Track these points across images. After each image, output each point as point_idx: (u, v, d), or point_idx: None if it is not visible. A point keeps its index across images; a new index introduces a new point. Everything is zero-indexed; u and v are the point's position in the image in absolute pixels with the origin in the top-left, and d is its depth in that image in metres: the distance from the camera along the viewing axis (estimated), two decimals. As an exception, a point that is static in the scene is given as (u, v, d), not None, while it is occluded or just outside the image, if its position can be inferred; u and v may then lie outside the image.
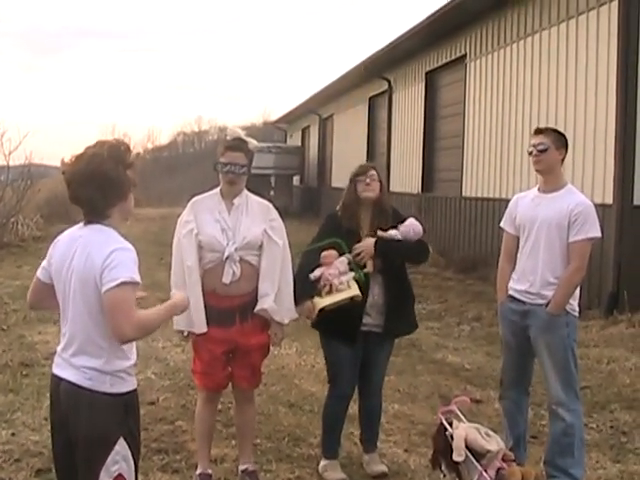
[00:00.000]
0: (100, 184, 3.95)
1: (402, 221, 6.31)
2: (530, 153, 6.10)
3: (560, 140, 6.13)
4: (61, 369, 4.10)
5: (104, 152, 4.02)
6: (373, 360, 6.35)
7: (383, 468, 6.44)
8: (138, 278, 3.93)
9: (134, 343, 4.13)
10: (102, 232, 4.02)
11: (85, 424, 3.97)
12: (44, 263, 4.24)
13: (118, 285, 3.84)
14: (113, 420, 4.00)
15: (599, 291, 12.70)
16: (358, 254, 6.11)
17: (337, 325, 6.14)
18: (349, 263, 6.07)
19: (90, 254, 3.93)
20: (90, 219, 4.06)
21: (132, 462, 4.08)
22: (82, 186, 3.97)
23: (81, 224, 4.12)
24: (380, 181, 6.35)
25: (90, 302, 3.95)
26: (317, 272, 6.08)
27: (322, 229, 6.45)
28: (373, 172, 6.33)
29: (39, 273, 4.27)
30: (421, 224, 6.33)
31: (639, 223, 12.41)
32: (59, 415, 4.12)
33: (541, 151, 6.03)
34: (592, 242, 5.97)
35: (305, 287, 6.11)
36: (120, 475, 4.01)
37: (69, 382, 4.02)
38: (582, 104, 13.62)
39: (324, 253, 6.12)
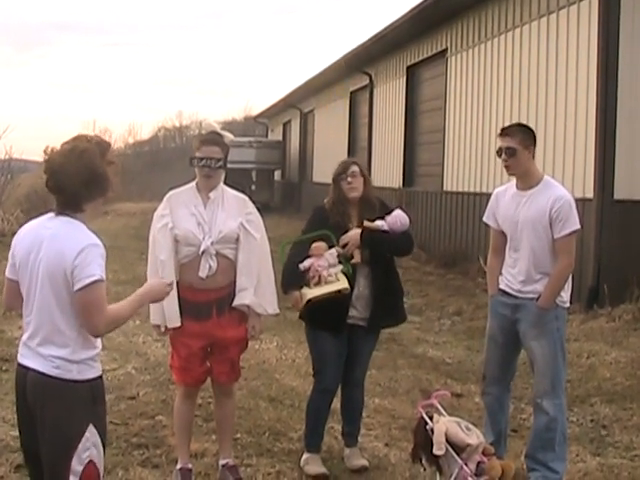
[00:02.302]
0: (87, 179, 4.06)
1: (389, 212, 6.29)
2: (499, 156, 6.06)
3: (528, 138, 6.03)
4: (28, 359, 4.15)
5: (95, 148, 4.13)
6: (357, 353, 6.34)
7: (363, 462, 6.43)
8: (104, 275, 4.05)
9: None
10: (72, 225, 4.09)
11: (55, 413, 4.04)
12: (9, 260, 4.29)
13: (93, 283, 3.95)
14: (82, 407, 4.07)
15: (579, 285, 12.70)
16: (345, 245, 6.10)
17: (323, 316, 6.14)
18: (338, 255, 6.07)
19: (60, 248, 4.00)
20: (63, 210, 4.12)
21: (101, 448, 4.16)
22: (69, 178, 4.04)
23: (50, 214, 4.18)
24: (363, 175, 6.32)
25: (59, 293, 4.03)
26: (307, 263, 6.08)
27: (310, 221, 6.45)
28: (355, 168, 6.29)
29: (8, 273, 4.31)
30: (408, 215, 6.33)
31: (619, 217, 12.44)
32: (26, 405, 4.17)
33: (510, 156, 5.97)
34: (576, 234, 5.98)
35: (294, 277, 6.12)
36: (91, 461, 4.10)
37: (36, 371, 4.07)
38: (562, 98, 13.64)
39: (314, 244, 6.11)
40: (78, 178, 4.03)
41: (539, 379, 6.03)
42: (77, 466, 4.06)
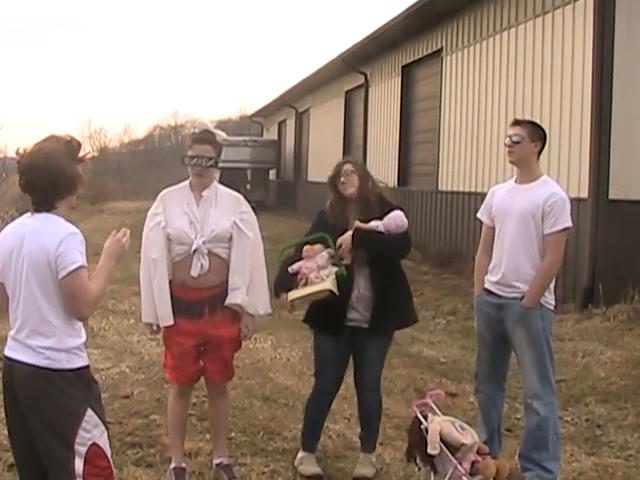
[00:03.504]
0: (55, 178, 4.22)
1: (388, 212, 6.15)
2: (505, 144, 6.10)
3: (536, 132, 6.10)
4: (16, 352, 4.26)
5: (62, 149, 4.29)
6: (363, 357, 6.26)
7: (364, 472, 6.25)
8: (85, 261, 4.24)
9: (81, 322, 4.38)
10: (50, 220, 4.25)
11: (50, 403, 4.15)
12: None
13: (77, 269, 4.14)
14: (77, 393, 4.20)
15: (574, 285, 12.73)
16: (339, 247, 6.04)
17: (321, 318, 6.16)
18: (332, 257, 6.03)
19: (42, 241, 4.17)
20: (38, 208, 4.28)
21: (103, 427, 4.31)
22: (37, 177, 4.22)
23: (28, 214, 4.35)
24: (358, 173, 6.23)
25: (44, 284, 4.18)
26: (296, 265, 6.04)
27: (312, 224, 6.44)
28: (347, 167, 6.23)
29: None
30: (407, 216, 6.17)
31: (614, 217, 12.43)
32: (13, 399, 4.26)
33: (515, 142, 6.02)
34: (567, 233, 5.98)
35: (283, 280, 6.10)
36: (94, 444, 4.23)
37: (26, 364, 4.18)
38: (558, 98, 13.64)
39: (306, 247, 6.09)
40: (45, 178, 4.21)
41: (528, 380, 6.04)
42: (81, 448, 4.19)
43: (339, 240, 6.04)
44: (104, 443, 4.30)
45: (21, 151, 4.34)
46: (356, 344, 6.21)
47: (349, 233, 6.04)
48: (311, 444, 6.42)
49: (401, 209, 6.23)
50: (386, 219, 6.09)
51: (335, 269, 5.95)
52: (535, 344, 5.94)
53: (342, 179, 6.19)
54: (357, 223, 6.07)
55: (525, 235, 5.95)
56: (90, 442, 4.21)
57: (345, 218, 6.19)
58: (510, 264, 6.00)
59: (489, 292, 6.17)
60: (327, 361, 6.27)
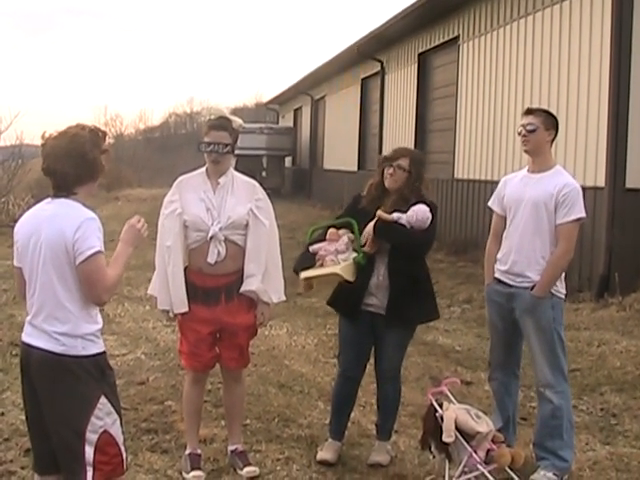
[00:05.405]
0: (77, 162, 4.25)
1: (415, 204, 6.02)
2: (519, 133, 6.08)
3: (550, 121, 6.08)
4: (32, 338, 4.29)
5: (86, 134, 4.31)
6: (381, 344, 6.23)
7: (379, 460, 6.26)
8: (103, 246, 4.27)
9: (98, 309, 4.40)
10: (69, 206, 4.27)
11: (64, 390, 4.18)
12: (14, 248, 4.45)
13: (94, 254, 4.16)
14: (92, 380, 4.22)
15: (590, 274, 12.70)
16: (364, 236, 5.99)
17: (340, 301, 6.22)
18: (352, 242, 6.01)
19: (60, 226, 4.19)
20: (58, 193, 4.31)
21: (116, 415, 4.33)
22: (59, 160, 4.25)
23: (48, 199, 4.37)
24: (409, 171, 6.07)
25: (61, 269, 4.20)
26: (316, 246, 6.05)
27: (345, 207, 6.44)
28: (401, 162, 6.08)
29: (14, 262, 4.48)
30: (432, 212, 5.98)
31: (631, 206, 12.38)
32: (30, 383, 4.30)
33: (529, 131, 6.00)
34: (579, 223, 5.96)
35: (303, 259, 6.12)
36: (105, 431, 4.26)
37: (43, 350, 4.21)
38: (575, 86, 13.58)
39: (331, 230, 6.08)
40: (68, 161, 4.23)
41: (539, 369, 6.02)
42: (92, 435, 4.21)
43: (365, 230, 5.99)
44: (116, 431, 4.32)
45: (46, 135, 4.36)
46: (376, 331, 6.20)
47: (372, 223, 5.99)
48: (336, 431, 6.41)
49: (430, 205, 6.06)
50: (410, 211, 5.96)
51: (354, 255, 5.95)
52: (546, 333, 5.93)
53: (390, 171, 6.10)
54: (380, 212, 6.00)
55: (537, 224, 5.94)
56: (101, 430, 4.24)
57: (377, 205, 6.11)
58: (521, 253, 5.98)
59: (499, 281, 6.16)
60: (347, 344, 6.28)
